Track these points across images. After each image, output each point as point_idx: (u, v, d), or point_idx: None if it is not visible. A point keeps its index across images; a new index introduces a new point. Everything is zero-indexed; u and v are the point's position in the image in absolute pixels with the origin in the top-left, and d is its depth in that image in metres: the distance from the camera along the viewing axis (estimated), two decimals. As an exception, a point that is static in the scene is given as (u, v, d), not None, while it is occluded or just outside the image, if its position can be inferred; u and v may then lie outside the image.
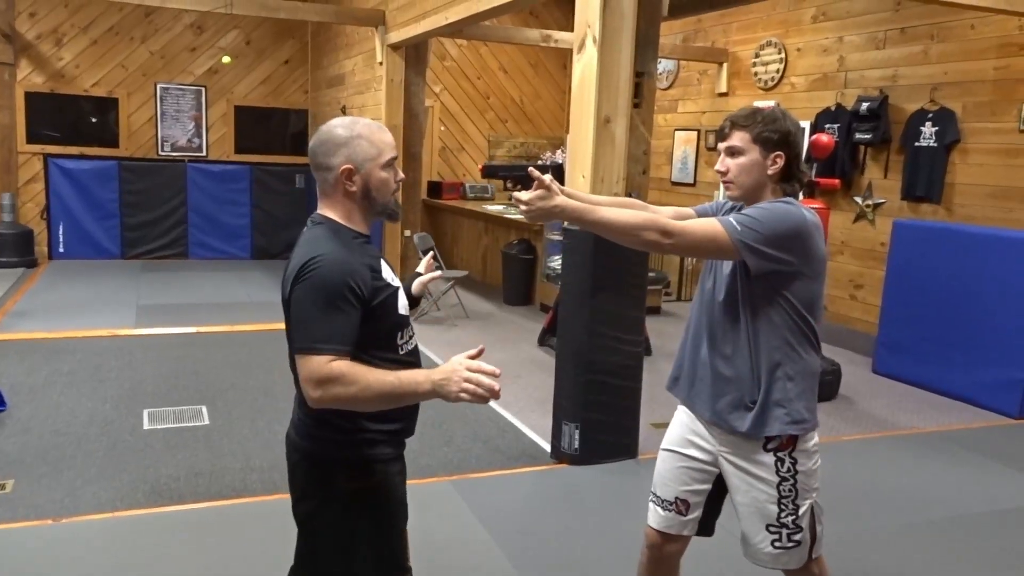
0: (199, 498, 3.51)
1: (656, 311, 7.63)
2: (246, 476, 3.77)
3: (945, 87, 5.92)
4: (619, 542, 3.23)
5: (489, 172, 2.25)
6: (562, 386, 4.05)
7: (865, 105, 6.33)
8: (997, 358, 5.12)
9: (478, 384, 1.59)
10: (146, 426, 4.34)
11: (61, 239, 9.70)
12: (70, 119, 9.74)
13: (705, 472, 2.19)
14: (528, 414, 4.74)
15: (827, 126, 6.59)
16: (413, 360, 1.84)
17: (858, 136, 6.42)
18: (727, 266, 2.06)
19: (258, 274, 9.43)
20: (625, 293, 3.94)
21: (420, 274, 2.19)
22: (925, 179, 6.02)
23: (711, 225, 1.96)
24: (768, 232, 1.93)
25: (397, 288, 1.82)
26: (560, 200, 1.93)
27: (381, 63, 7.22)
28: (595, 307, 3.85)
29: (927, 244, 5.54)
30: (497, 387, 1.59)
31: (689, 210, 2.25)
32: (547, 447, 4.19)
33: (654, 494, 2.27)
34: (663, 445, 2.27)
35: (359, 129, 1.78)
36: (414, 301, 2.11)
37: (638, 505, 3.66)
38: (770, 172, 2.02)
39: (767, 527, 2.08)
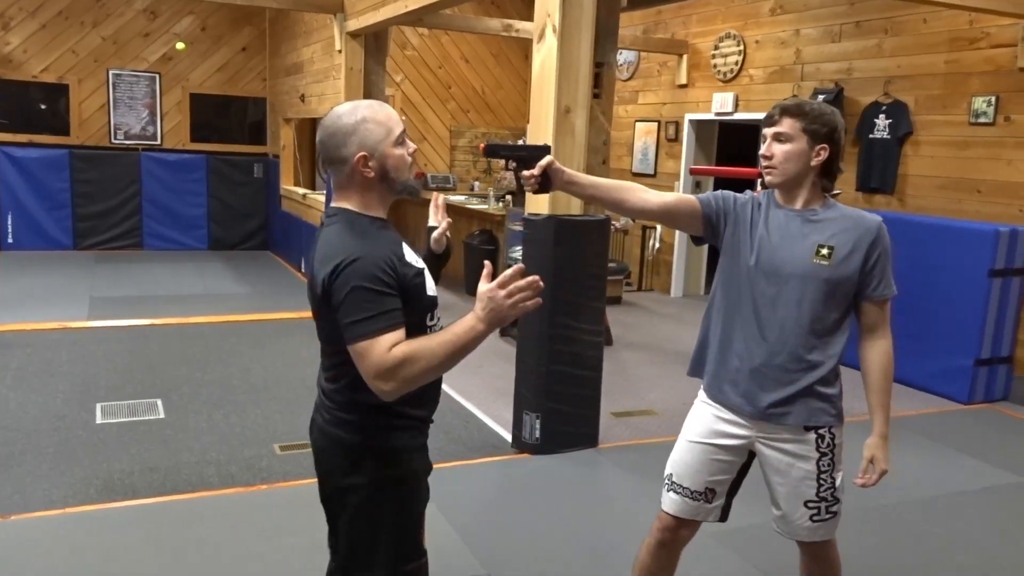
0: (154, 493, 3.45)
1: (617, 301, 7.67)
2: (202, 470, 3.71)
3: (898, 80, 6.03)
4: (581, 531, 3.25)
5: (491, 151, 2.25)
6: (523, 376, 4.06)
7: (821, 97, 6.41)
8: (947, 346, 5.25)
9: (522, 293, 1.60)
10: (99, 420, 4.25)
11: (10, 230, 9.43)
12: (18, 106, 9.46)
13: (733, 462, 2.23)
14: (490, 404, 4.74)
15: (784, 118, 6.67)
16: None
17: (814, 128, 6.51)
18: (800, 274, 2.07)
19: (215, 265, 9.28)
20: (585, 283, 3.96)
21: (433, 228, 2.08)
22: (879, 171, 6.14)
23: (881, 315, 2.24)
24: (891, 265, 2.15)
25: (422, 269, 1.78)
26: None
27: (340, 51, 7.12)
28: (556, 297, 3.86)
29: (881, 234, 5.64)
30: (537, 278, 1.61)
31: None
32: (508, 437, 4.19)
33: (677, 484, 2.25)
34: (688, 438, 2.25)
35: (362, 112, 1.73)
36: (439, 259, 2.08)
37: (599, 494, 3.69)
38: (813, 164, 2.05)
39: (806, 503, 2.16)
